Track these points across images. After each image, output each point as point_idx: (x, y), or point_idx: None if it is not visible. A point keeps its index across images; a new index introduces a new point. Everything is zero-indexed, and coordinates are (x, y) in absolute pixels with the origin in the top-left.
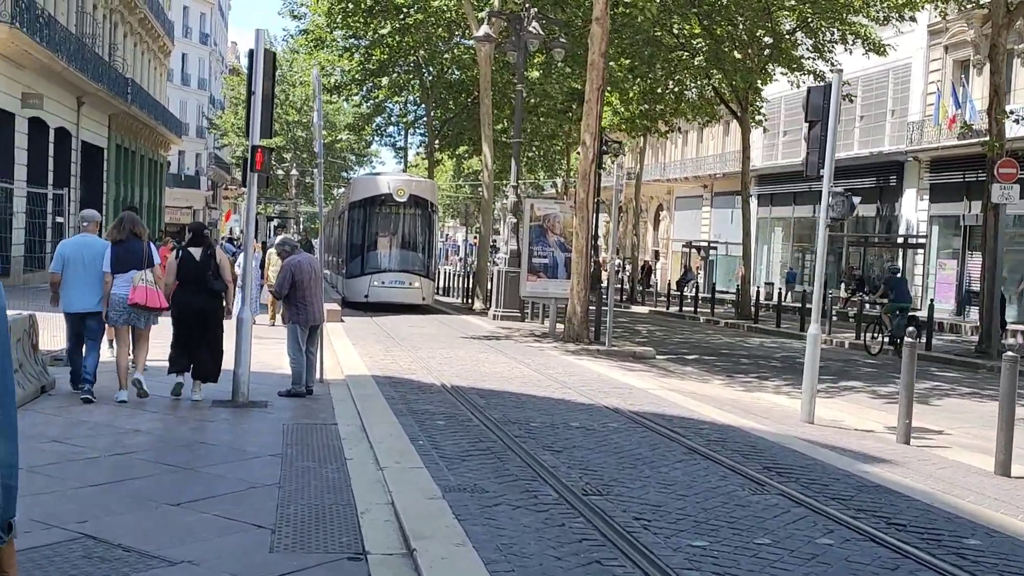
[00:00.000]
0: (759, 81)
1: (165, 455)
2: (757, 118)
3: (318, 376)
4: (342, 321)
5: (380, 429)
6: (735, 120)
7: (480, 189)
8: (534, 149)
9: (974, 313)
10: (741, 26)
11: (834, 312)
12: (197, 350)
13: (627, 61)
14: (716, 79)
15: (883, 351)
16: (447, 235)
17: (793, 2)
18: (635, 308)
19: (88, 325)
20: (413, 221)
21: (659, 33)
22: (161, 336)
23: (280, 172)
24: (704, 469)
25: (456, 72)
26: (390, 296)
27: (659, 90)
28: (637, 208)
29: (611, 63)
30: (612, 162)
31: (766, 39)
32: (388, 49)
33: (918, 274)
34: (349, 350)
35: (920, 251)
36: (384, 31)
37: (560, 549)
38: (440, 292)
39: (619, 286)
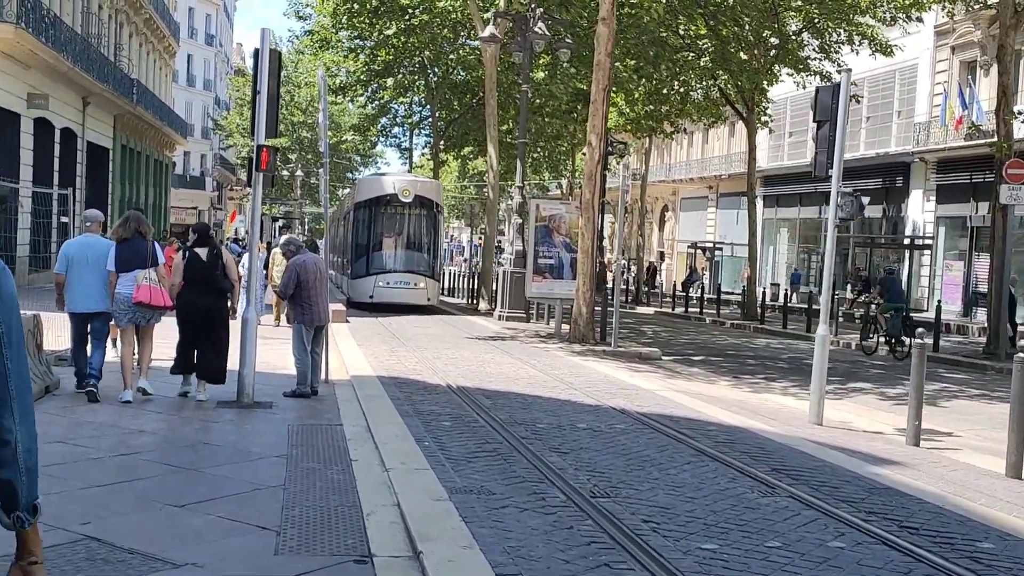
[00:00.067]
0: (765, 82)
1: (169, 456)
2: (763, 119)
3: (323, 376)
4: (347, 321)
5: (385, 430)
6: (741, 121)
7: (485, 190)
8: (539, 150)
9: (981, 314)
10: (747, 27)
11: (840, 313)
12: (202, 351)
13: (633, 62)
14: (722, 80)
15: (879, 351)
16: (451, 236)
17: (799, 2)
18: (640, 309)
19: (92, 326)
20: (418, 222)
21: (665, 34)
22: (166, 336)
23: (285, 173)
24: (713, 471)
25: (461, 73)
26: (395, 297)
27: (665, 91)
28: (642, 209)
29: (617, 64)
30: (617, 163)
31: (772, 40)
32: (393, 50)
33: (924, 275)
34: (354, 350)
35: (927, 252)
36: (389, 32)
37: (568, 552)
38: (445, 293)
39: (624, 287)
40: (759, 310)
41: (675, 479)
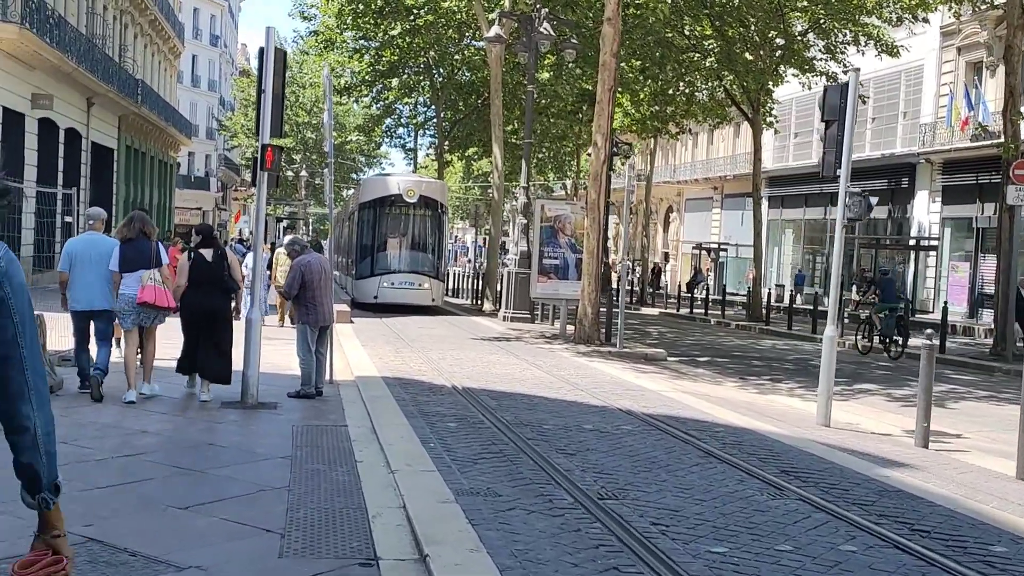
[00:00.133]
0: (771, 82)
1: (173, 457)
2: (768, 120)
3: (328, 377)
4: (351, 322)
5: (391, 431)
6: (746, 122)
7: (489, 190)
8: (544, 150)
9: (987, 316)
10: (753, 27)
11: (846, 314)
12: (206, 351)
13: (638, 62)
14: (727, 80)
15: (873, 350)
16: (456, 236)
17: (805, 3)
18: (644, 310)
19: (96, 325)
20: (423, 222)
21: (670, 34)
22: (170, 337)
23: (290, 173)
24: (721, 473)
25: (466, 73)
26: (400, 297)
27: (670, 91)
28: (647, 210)
29: (622, 64)
30: (622, 164)
31: (778, 40)
32: (398, 50)
33: (930, 276)
34: (359, 351)
35: (932, 253)
36: (394, 32)
37: (577, 555)
38: (449, 294)
39: (628, 288)
40: (764, 311)
41: (683, 481)
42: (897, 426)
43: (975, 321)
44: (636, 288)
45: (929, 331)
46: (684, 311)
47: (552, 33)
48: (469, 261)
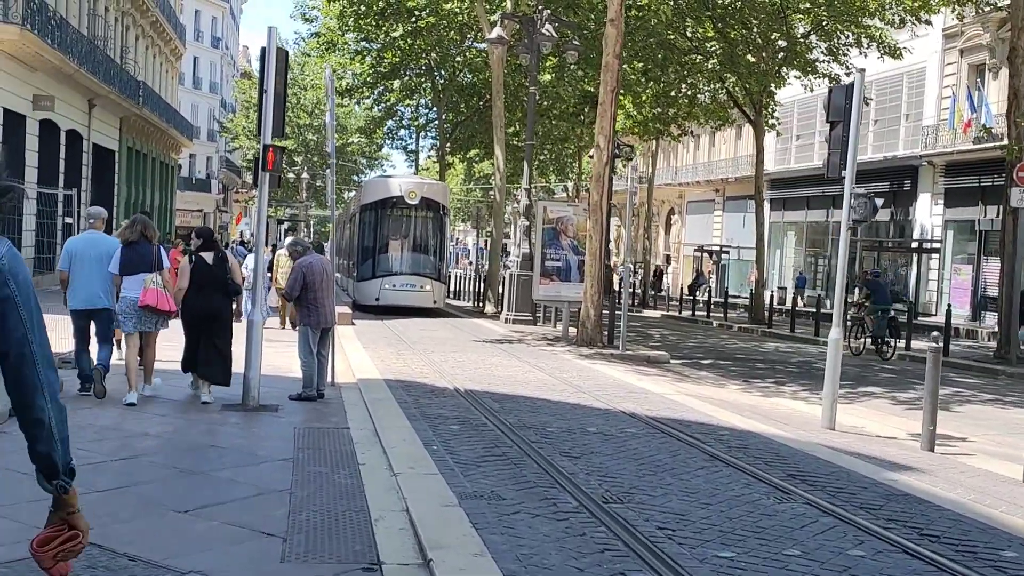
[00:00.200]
0: (773, 84)
1: (174, 459)
2: (771, 122)
3: (329, 379)
4: (353, 324)
5: (393, 434)
6: (748, 124)
7: (491, 192)
8: (546, 152)
9: (990, 319)
10: (755, 29)
11: (849, 317)
12: (207, 353)
13: (640, 64)
14: (730, 82)
15: (866, 351)
16: (457, 238)
17: (808, 5)
18: (647, 312)
19: (97, 325)
20: (424, 224)
21: (672, 36)
22: (171, 339)
23: (291, 175)
24: (727, 477)
25: (468, 75)
26: (401, 299)
27: (672, 93)
28: (649, 212)
29: (624, 66)
30: (624, 166)
31: (780, 42)
32: (400, 52)
33: (933, 279)
34: (360, 353)
35: (935, 256)
36: (396, 34)
37: (582, 560)
38: (450, 296)
39: (630, 290)
40: (767, 314)
41: (689, 485)
42: (902, 429)
43: (978, 324)
44: (638, 290)
45: (935, 334)
46: (686, 313)
47: (554, 34)
48: (470, 263)
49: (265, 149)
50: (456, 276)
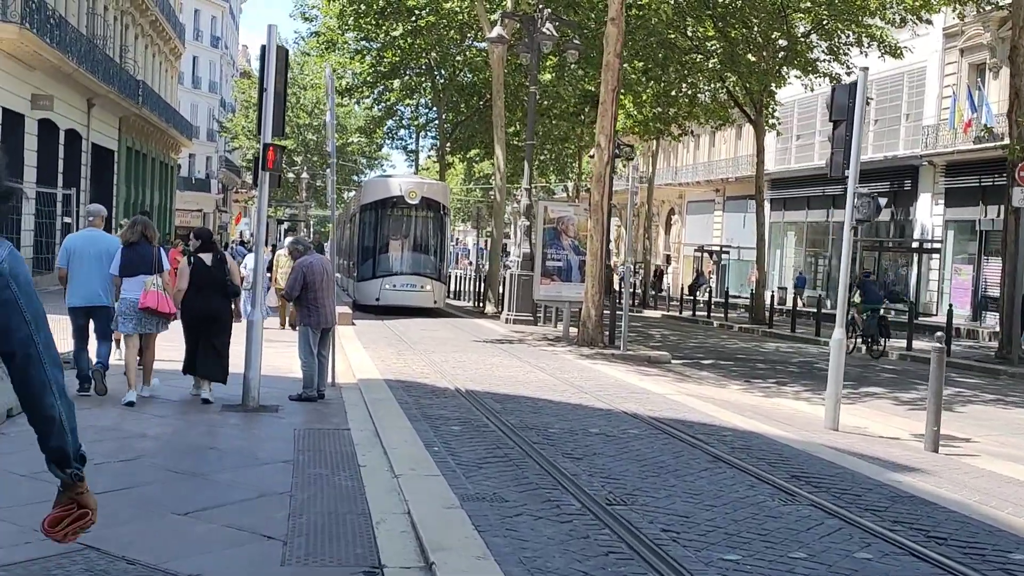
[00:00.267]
0: (773, 84)
1: (173, 461)
2: (771, 121)
3: (330, 380)
4: (353, 324)
5: (394, 435)
6: (748, 123)
7: (491, 192)
8: (546, 152)
9: (990, 318)
10: (756, 28)
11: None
12: (205, 352)
13: (641, 63)
14: (730, 82)
15: (856, 350)
16: (457, 239)
17: (808, 4)
18: (647, 312)
19: (96, 323)
20: (425, 223)
21: (673, 35)
22: (170, 339)
23: (291, 175)
24: (731, 478)
25: (468, 75)
26: (401, 299)
27: (672, 93)
28: (649, 212)
29: (625, 65)
30: (624, 166)
31: (781, 41)
32: (400, 51)
33: (933, 279)
34: (361, 353)
35: (935, 256)
36: (396, 33)
37: (586, 563)
38: (451, 296)
39: (631, 290)
40: (767, 314)
41: (692, 486)
42: (905, 430)
43: (978, 324)
44: (638, 291)
45: (939, 334)
46: (686, 314)
47: (554, 34)
48: (470, 263)
49: (265, 148)
50: (456, 276)
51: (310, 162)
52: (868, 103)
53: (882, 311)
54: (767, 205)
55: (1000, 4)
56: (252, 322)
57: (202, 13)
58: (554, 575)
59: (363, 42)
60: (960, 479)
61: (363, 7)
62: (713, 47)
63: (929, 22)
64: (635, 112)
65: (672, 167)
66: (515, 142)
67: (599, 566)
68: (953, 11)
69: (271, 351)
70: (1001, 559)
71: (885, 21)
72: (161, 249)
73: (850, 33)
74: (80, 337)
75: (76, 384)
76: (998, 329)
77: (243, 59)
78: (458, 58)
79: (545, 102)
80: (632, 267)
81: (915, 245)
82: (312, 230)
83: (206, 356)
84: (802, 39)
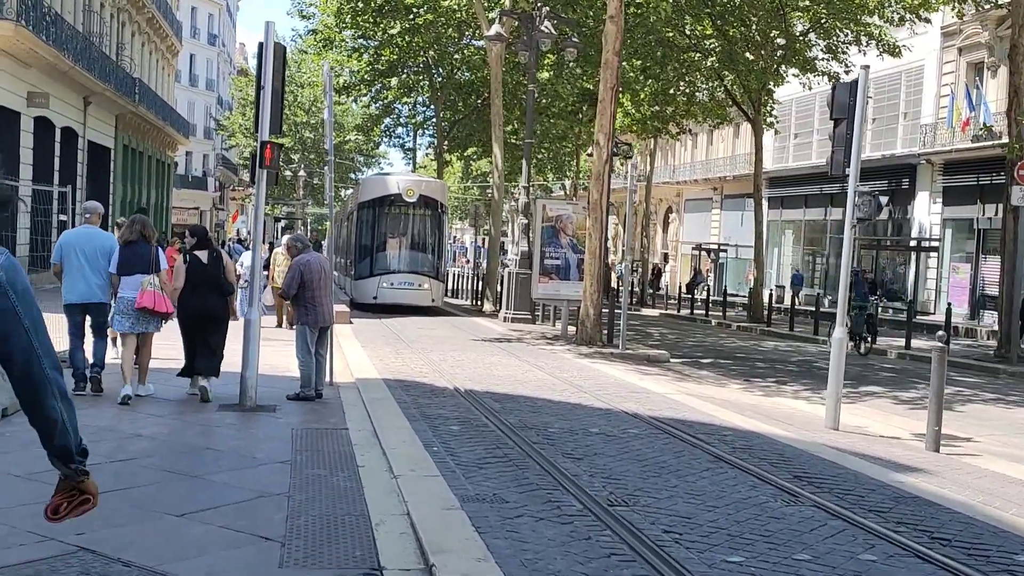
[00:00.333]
0: (772, 82)
1: (169, 461)
2: (769, 120)
3: (328, 379)
4: (351, 323)
5: (393, 435)
6: (746, 122)
7: (489, 191)
8: (544, 150)
9: (988, 317)
10: (754, 27)
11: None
12: (201, 350)
13: (639, 62)
14: (728, 80)
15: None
16: (455, 237)
17: (807, 3)
18: (645, 311)
19: (92, 320)
20: (423, 222)
21: (671, 34)
22: (167, 337)
23: (288, 173)
24: (732, 478)
25: (466, 73)
26: (399, 298)
27: (671, 91)
28: (647, 210)
29: (623, 64)
30: (622, 164)
31: (779, 40)
32: (397, 49)
33: (931, 277)
34: (359, 352)
35: (933, 254)
36: (394, 31)
37: (588, 564)
38: (448, 294)
39: (629, 289)
40: (765, 312)
41: (694, 487)
42: (906, 429)
43: (976, 323)
44: (636, 289)
45: (940, 333)
46: (684, 312)
47: (553, 32)
48: (468, 261)
49: (263, 145)
50: (454, 274)
51: (307, 160)
52: (867, 101)
53: (870, 308)
54: (765, 203)
55: (999, 3)
56: (250, 321)
57: (199, 10)
58: None
59: (360, 40)
60: (963, 479)
61: (360, 5)
62: (711, 45)
63: (928, 21)
64: (633, 110)
65: (670, 165)
66: (513, 140)
67: (601, 568)
68: (952, 10)
69: (268, 350)
70: (1006, 560)
71: (883, 20)
72: (159, 248)
73: (848, 32)
74: (76, 334)
75: (72, 383)
76: (996, 328)
77: (240, 57)
78: (456, 56)
79: (543, 100)
80: (630, 265)
81: (913, 244)
82: (309, 228)
83: (201, 355)
84: (800, 38)
